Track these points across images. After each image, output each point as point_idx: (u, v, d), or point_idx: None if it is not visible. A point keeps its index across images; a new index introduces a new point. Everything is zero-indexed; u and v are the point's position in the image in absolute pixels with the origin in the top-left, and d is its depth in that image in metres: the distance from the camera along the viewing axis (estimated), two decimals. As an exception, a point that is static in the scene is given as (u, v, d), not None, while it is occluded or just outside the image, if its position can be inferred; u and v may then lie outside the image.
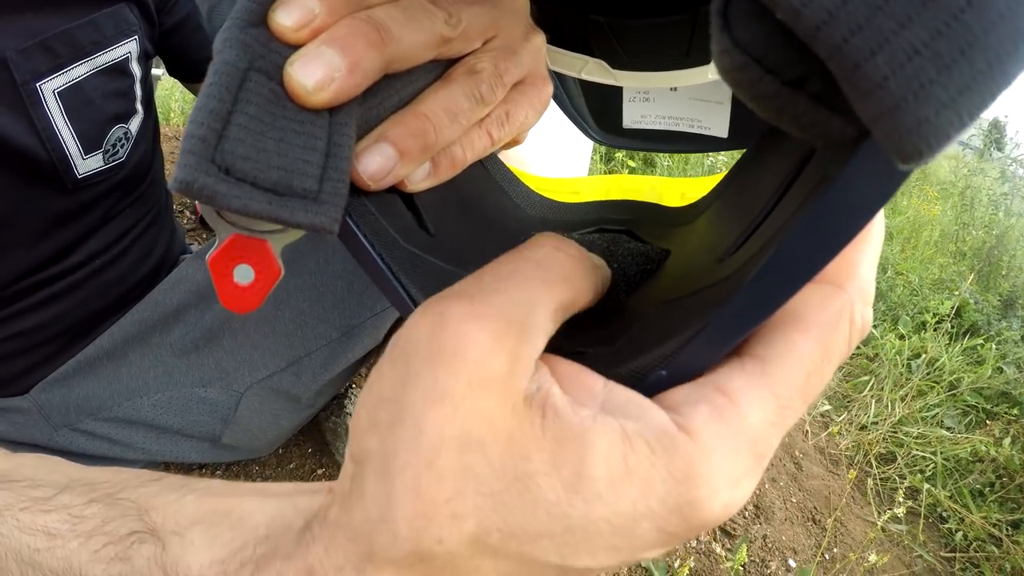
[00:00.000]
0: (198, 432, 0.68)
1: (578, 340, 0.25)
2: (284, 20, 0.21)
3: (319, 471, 0.82)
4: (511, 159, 0.37)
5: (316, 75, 0.20)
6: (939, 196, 3.26)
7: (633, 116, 0.41)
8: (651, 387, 0.19)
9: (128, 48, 0.62)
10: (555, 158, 0.75)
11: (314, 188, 0.20)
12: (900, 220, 2.78)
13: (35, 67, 0.54)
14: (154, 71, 0.78)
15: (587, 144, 0.83)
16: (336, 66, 0.21)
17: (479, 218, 0.31)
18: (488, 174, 0.34)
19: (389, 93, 0.24)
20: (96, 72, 0.60)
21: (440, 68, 0.26)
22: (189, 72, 0.82)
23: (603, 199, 0.38)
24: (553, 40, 0.37)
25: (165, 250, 0.75)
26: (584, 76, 0.37)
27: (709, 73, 0.35)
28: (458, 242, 0.29)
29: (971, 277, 1.88)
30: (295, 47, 0.21)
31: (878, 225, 0.21)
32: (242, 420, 0.68)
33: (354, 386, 0.81)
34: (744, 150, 0.35)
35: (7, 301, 0.61)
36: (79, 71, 0.58)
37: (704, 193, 0.35)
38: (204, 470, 0.82)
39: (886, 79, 0.13)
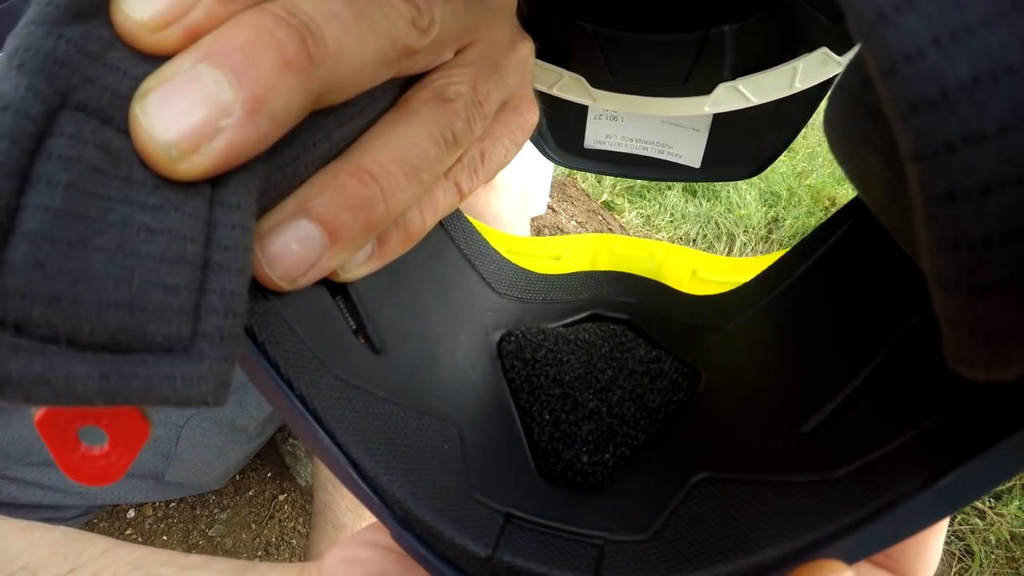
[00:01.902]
0: (139, 470, 0.63)
1: (590, 513, 0.19)
2: (136, 10, 0.12)
3: (280, 496, 0.78)
4: None
5: (186, 121, 0.12)
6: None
7: (597, 135, 0.35)
8: None
9: None
10: (518, 170, 0.68)
11: (184, 333, 0.12)
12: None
13: None
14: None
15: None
16: (225, 105, 0.12)
17: (439, 311, 0.24)
18: (448, 239, 0.26)
19: (316, 138, 0.16)
20: None
21: (394, 90, 0.18)
22: None
23: (590, 269, 0.30)
24: None
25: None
26: (556, 92, 0.31)
27: (707, 105, 0.29)
28: (414, 357, 0.21)
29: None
30: (155, 62, 0.13)
31: None
32: (185, 455, 0.63)
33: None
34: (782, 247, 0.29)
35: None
36: None
37: (726, 278, 0.28)
38: (158, 503, 0.76)
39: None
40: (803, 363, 0.20)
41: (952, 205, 0.09)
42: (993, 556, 1.08)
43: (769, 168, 0.33)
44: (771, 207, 1.76)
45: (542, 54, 0.30)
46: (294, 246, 0.15)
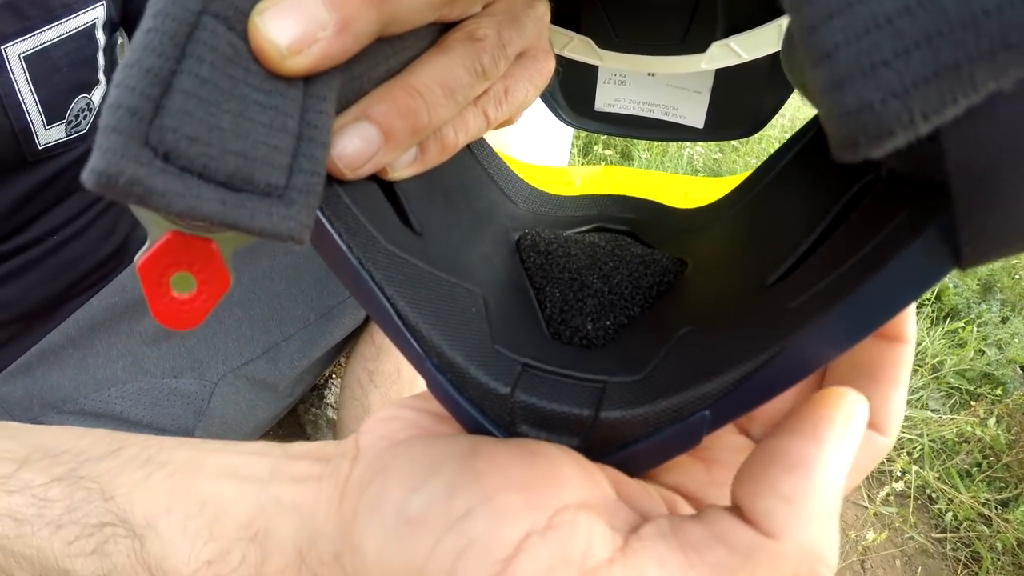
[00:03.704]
0: (170, 426, 0.64)
1: (594, 364, 0.22)
2: None
3: (300, 464, 0.79)
4: (492, 140, 0.34)
5: (293, 31, 0.16)
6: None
7: (606, 99, 0.39)
8: (693, 430, 0.19)
9: (96, 13, 0.59)
10: (538, 140, 0.72)
11: (281, 183, 0.16)
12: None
13: (2, 29, 0.50)
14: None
15: (568, 129, 0.80)
16: (321, 23, 0.16)
17: (468, 213, 0.28)
18: (475, 160, 0.31)
19: (377, 60, 0.20)
20: (64, 38, 0.56)
21: (433, 34, 0.23)
22: None
23: (597, 193, 0.35)
24: None
25: (129, 231, 0.71)
26: (567, 54, 0.35)
27: (703, 63, 0.33)
28: (447, 242, 0.25)
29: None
30: None
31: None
32: (216, 412, 0.64)
33: (334, 376, 0.78)
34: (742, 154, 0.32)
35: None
36: (48, 36, 0.54)
37: (713, 196, 0.32)
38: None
39: (837, 48, 0.11)
40: (769, 236, 0.24)
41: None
42: (1000, 563, 1.08)
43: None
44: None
45: (555, 19, 0.34)
46: (357, 141, 0.20)
